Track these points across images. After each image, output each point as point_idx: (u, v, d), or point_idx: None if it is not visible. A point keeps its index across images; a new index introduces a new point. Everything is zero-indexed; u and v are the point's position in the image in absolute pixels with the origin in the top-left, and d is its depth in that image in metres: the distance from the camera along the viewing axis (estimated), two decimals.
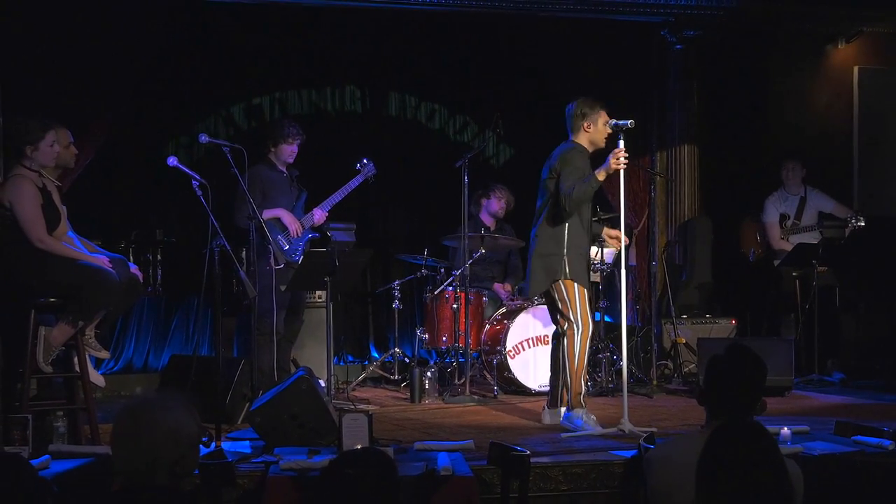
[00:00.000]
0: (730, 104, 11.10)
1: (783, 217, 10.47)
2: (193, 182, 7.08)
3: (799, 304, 10.08)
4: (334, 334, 8.31)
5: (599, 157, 7.31)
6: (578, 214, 7.32)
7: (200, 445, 3.81)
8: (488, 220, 10.26)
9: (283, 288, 8.29)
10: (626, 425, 6.93)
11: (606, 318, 9.75)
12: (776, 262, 10.32)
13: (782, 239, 10.39)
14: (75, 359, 6.75)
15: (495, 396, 9.04)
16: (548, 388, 9.03)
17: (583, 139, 7.35)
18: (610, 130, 7.29)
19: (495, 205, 10.25)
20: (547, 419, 7.50)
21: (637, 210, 10.66)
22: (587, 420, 7.18)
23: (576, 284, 7.31)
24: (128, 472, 3.53)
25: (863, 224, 10.00)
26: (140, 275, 7.26)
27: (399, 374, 9.94)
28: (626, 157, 7.09)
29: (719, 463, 3.41)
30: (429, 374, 8.99)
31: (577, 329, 7.30)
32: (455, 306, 9.30)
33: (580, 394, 7.33)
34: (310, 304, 9.38)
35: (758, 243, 10.59)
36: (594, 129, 7.31)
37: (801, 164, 10.55)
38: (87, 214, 8.51)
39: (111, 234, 8.60)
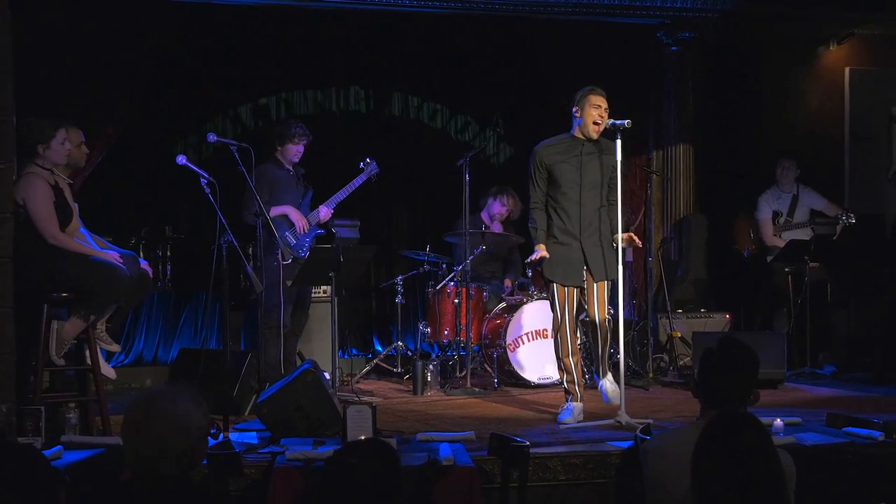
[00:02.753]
0: (724, 104, 11.16)
1: (776, 214, 10.51)
2: (202, 180, 7.15)
3: (791, 298, 10.12)
4: (339, 328, 8.37)
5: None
6: (558, 211, 7.41)
7: (209, 437, 3.87)
8: (487, 220, 10.32)
9: (289, 283, 8.36)
10: (623, 417, 7.00)
11: None
12: (769, 258, 10.40)
13: (775, 235, 10.44)
14: (87, 352, 6.79)
15: (496, 389, 9.13)
16: (546, 381, 9.22)
17: (575, 129, 7.40)
18: (599, 115, 7.29)
19: (496, 207, 10.30)
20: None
21: (634, 207, 10.68)
22: (571, 412, 7.32)
23: (547, 281, 7.48)
24: (137, 461, 3.59)
25: (853, 221, 10.08)
26: (150, 270, 7.31)
27: (402, 367, 10.01)
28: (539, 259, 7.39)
29: (714, 453, 3.49)
30: (431, 367, 9.06)
31: (553, 324, 7.53)
32: (456, 301, 9.38)
33: (563, 386, 7.52)
34: (315, 299, 9.42)
35: (751, 240, 10.64)
36: (581, 113, 7.35)
37: (796, 164, 10.60)
38: (98, 211, 8.55)
39: (122, 230, 8.70)
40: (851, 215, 10.15)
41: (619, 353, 7.34)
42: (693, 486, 3.52)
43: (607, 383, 7.39)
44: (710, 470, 3.49)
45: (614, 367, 7.61)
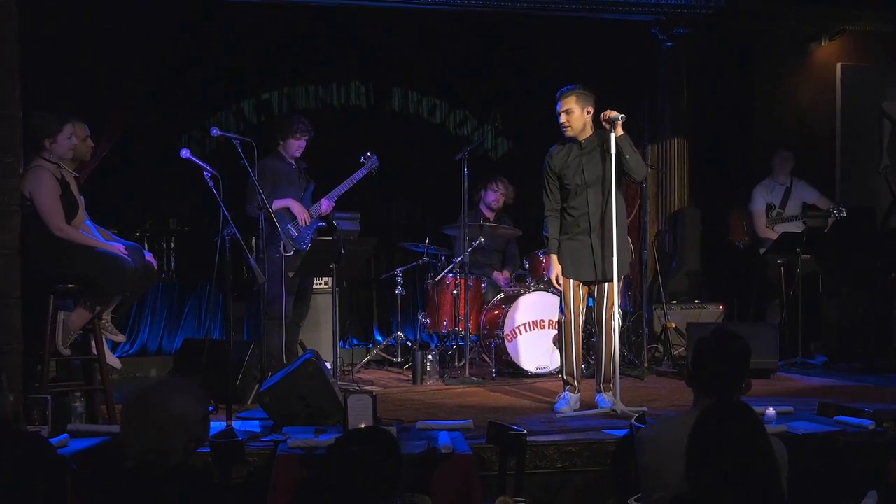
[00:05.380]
0: (718, 100, 11.17)
1: (769, 206, 10.49)
2: (205, 173, 7.19)
3: (783, 290, 10.17)
4: (340, 319, 8.46)
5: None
6: (570, 211, 7.49)
7: (209, 416, 3.94)
8: (487, 212, 10.36)
9: (290, 274, 8.41)
10: (619, 406, 7.08)
11: None
12: (762, 251, 10.42)
13: (768, 227, 10.46)
14: (93, 342, 6.84)
15: (494, 378, 9.20)
16: (543, 370, 9.29)
17: None
18: (562, 120, 7.42)
19: (491, 196, 10.35)
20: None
21: (629, 200, 10.45)
22: (567, 402, 7.42)
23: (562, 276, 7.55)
24: (142, 459, 3.68)
25: (845, 215, 10.09)
26: (154, 262, 7.33)
27: (401, 357, 10.09)
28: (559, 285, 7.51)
29: (708, 441, 3.52)
30: (430, 356, 9.11)
31: (559, 315, 7.62)
32: (455, 292, 9.45)
33: (562, 376, 7.61)
34: (316, 290, 9.48)
35: (745, 232, 10.62)
36: None
37: (794, 155, 10.63)
38: (104, 204, 8.52)
39: (127, 223, 8.74)
40: (843, 209, 10.15)
41: (614, 343, 7.36)
42: (687, 474, 3.56)
43: (607, 397, 7.41)
44: (703, 458, 3.52)
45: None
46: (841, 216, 10.11)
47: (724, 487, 3.46)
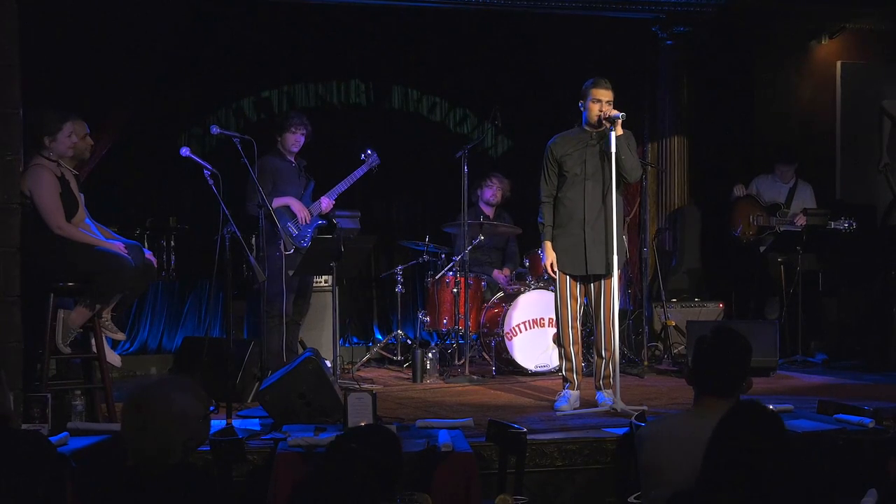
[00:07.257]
0: (718, 98, 11.19)
1: (776, 206, 10.45)
2: (205, 171, 7.17)
3: (783, 288, 10.15)
4: (340, 317, 8.46)
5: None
6: (565, 202, 7.48)
7: (209, 415, 3.95)
8: (487, 209, 10.38)
9: (290, 273, 8.40)
10: (619, 404, 7.08)
11: None
12: (762, 248, 10.41)
13: (774, 227, 10.33)
14: (93, 340, 6.83)
15: (494, 376, 9.22)
16: (543, 369, 9.31)
17: (585, 120, 7.48)
18: (599, 109, 7.30)
19: (488, 192, 10.36)
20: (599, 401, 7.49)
21: (629, 198, 10.44)
22: (568, 400, 7.41)
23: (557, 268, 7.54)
24: (142, 459, 3.69)
25: (855, 228, 9.96)
26: (154, 260, 7.32)
27: (401, 355, 10.10)
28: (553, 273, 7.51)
29: (732, 444, 3.51)
30: (430, 355, 9.12)
31: (556, 312, 7.64)
32: (455, 290, 9.45)
33: (562, 373, 7.62)
34: (316, 289, 9.47)
35: (750, 224, 10.49)
36: (585, 107, 7.41)
37: (793, 168, 10.59)
38: (103, 202, 8.48)
39: (127, 221, 8.66)
40: (854, 222, 9.98)
41: (614, 341, 7.35)
42: (702, 475, 3.55)
43: (607, 393, 7.41)
44: (725, 460, 3.51)
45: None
46: (851, 230, 9.98)
47: (743, 490, 3.45)
